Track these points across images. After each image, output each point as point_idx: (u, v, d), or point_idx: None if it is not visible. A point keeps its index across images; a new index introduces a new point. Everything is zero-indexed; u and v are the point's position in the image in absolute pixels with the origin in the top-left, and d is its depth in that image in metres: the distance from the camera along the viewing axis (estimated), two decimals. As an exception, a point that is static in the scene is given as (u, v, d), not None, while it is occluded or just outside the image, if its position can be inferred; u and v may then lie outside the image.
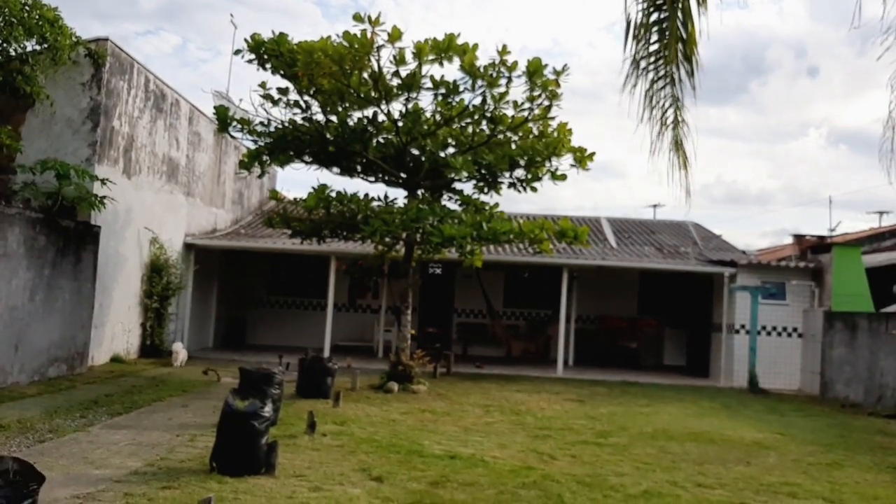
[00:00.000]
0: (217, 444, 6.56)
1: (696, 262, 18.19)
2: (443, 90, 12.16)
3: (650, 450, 8.68)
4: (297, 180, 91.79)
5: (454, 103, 12.48)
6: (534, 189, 13.49)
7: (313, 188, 12.64)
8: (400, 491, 6.17)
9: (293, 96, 12.86)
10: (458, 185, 14.17)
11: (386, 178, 13.72)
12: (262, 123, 13.25)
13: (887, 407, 13.07)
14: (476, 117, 12.72)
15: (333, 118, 12.90)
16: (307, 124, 13.08)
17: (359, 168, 13.94)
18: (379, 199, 13.18)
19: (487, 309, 21.12)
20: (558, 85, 11.88)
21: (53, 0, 12.12)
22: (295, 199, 20.30)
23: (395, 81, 12.10)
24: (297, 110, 13.09)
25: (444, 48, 11.47)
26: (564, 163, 13.19)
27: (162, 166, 15.97)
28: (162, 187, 16.05)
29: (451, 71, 18.91)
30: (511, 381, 15.21)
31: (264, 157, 13.40)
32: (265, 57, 12.33)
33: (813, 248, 18.38)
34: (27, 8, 11.82)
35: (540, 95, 12.06)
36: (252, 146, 13.81)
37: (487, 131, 12.82)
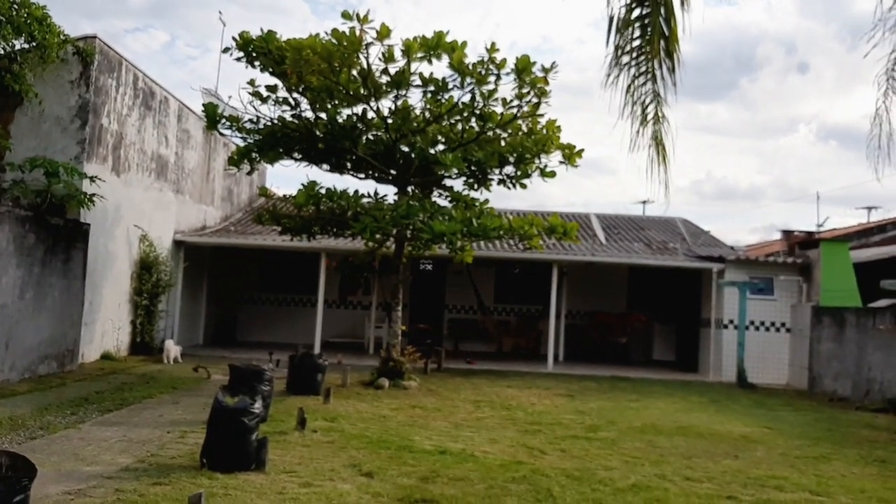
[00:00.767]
0: (207, 441, 6.60)
1: (684, 257, 18.30)
2: (432, 87, 12.17)
3: (639, 444, 8.76)
4: (287, 177, 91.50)
5: (443, 100, 12.49)
6: (523, 186, 13.56)
7: (303, 185, 12.63)
8: (390, 486, 6.22)
9: (282, 94, 12.84)
10: (447, 182, 14.23)
11: (376, 174, 13.74)
12: (251, 121, 13.23)
13: (874, 401, 13.18)
14: (465, 114, 12.74)
15: (323, 115, 12.89)
16: (296, 121, 13.07)
17: (349, 165, 13.95)
18: (369, 196, 13.18)
19: (478, 305, 21.17)
20: (547, 82, 11.93)
21: (41, -2, 12.11)
22: (285, 195, 20.35)
23: (385, 79, 12.10)
24: (286, 107, 13.07)
25: (433, 46, 11.48)
26: (553, 160, 13.28)
27: (151, 164, 15.94)
28: (151, 185, 16.02)
29: (440, 68, 18.96)
30: (502, 376, 15.28)
31: (253, 154, 13.39)
32: (254, 55, 12.32)
33: (801, 244, 18.50)
34: (15, 6, 11.80)
35: (529, 93, 12.09)
36: (241, 143, 13.81)
37: (477, 128, 12.85)
